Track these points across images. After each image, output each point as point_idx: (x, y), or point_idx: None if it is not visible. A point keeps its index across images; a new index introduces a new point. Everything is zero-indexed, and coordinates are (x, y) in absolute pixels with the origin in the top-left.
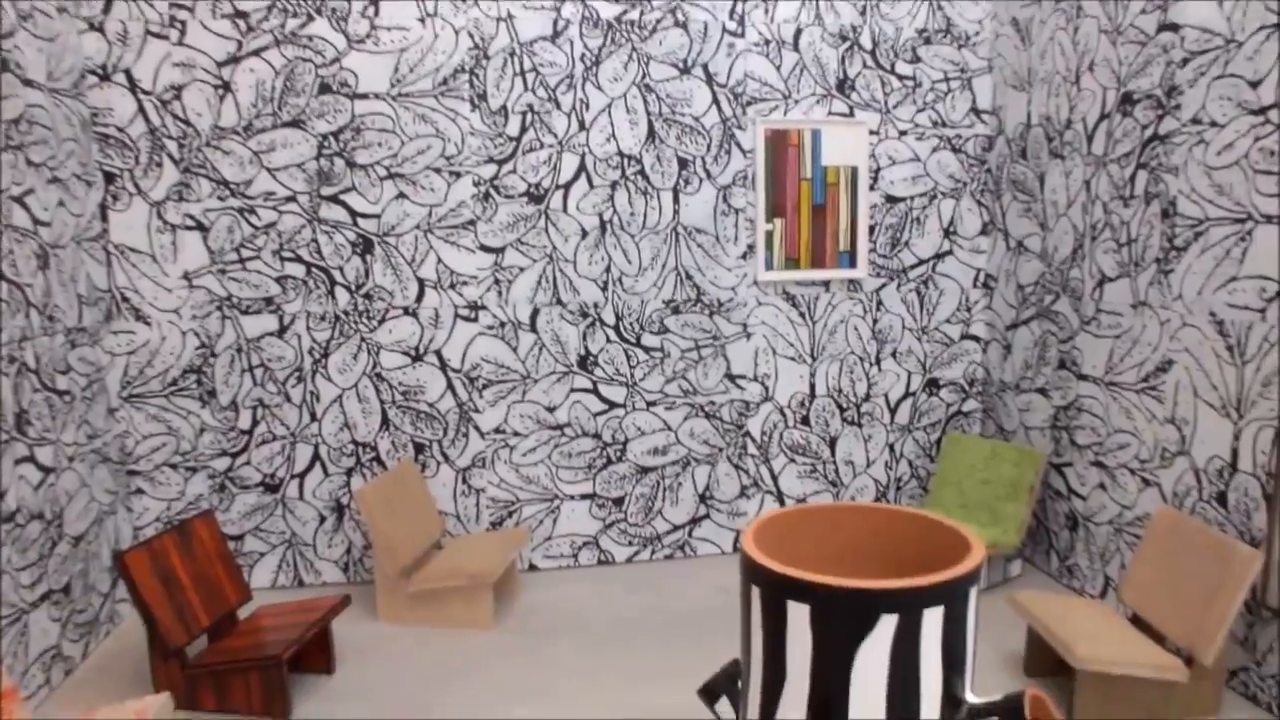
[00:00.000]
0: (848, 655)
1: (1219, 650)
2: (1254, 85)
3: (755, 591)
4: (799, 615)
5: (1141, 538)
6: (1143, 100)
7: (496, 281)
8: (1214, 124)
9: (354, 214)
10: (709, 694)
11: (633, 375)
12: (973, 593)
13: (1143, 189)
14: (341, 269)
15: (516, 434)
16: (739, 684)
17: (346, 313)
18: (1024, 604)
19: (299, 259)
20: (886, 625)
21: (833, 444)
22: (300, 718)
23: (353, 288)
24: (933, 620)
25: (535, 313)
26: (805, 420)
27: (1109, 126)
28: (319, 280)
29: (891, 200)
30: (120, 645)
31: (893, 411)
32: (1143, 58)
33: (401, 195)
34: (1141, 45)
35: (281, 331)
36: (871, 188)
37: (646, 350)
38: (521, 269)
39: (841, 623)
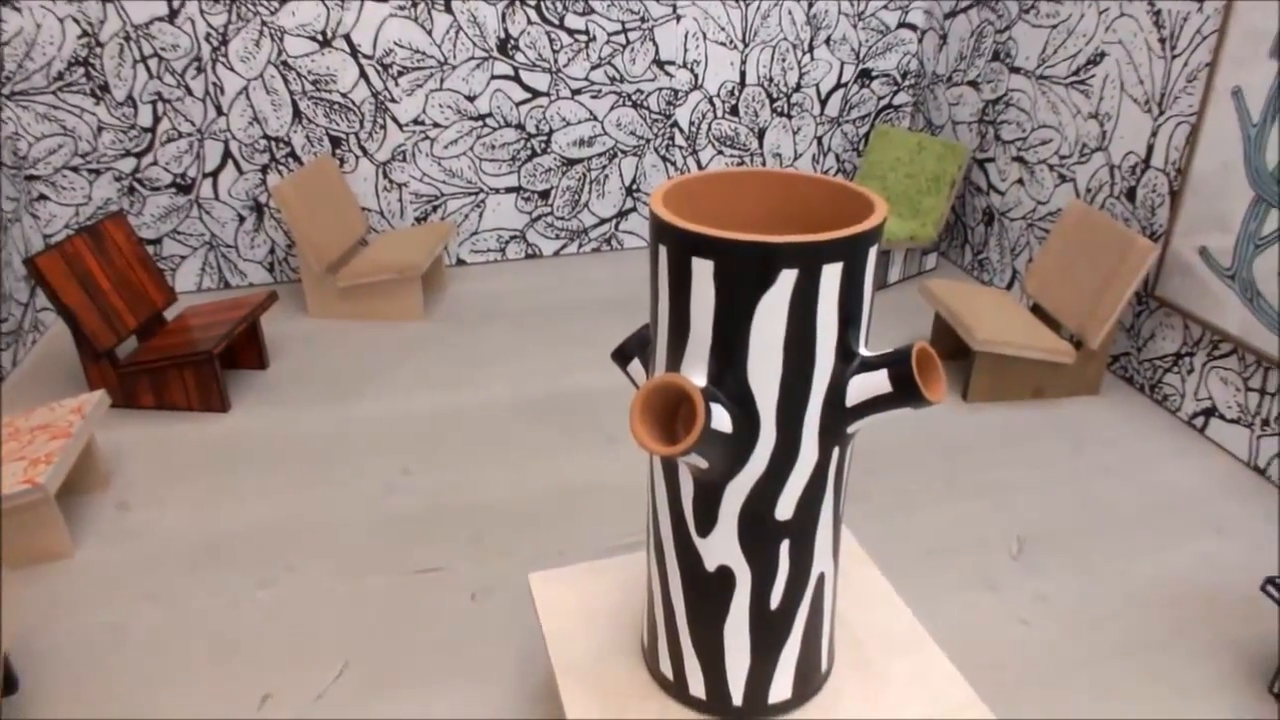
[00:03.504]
0: (748, 309)
1: (1106, 336)
2: None
3: (662, 251)
4: (703, 271)
5: (1050, 231)
6: None
7: None
8: None
9: None
10: (622, 356)
11: (556, 61)
12: (872, 252)
13: None
14: None
15: (436, 125)
16: (649, 347)
17: None
18: (933, 292)
19: None
20: (786, 280)
21: (761, 135)
22: (239, 409)
23: None
24: (831, 276)
25: None
26: (734, 110)
27: None
28: None
29: None
30: (50, 351)
31: (823, 103)
32: None
33: None
34: None
35: (172, 16)
36: None
37: (570, 33)
38: None
39: (743, 277)
